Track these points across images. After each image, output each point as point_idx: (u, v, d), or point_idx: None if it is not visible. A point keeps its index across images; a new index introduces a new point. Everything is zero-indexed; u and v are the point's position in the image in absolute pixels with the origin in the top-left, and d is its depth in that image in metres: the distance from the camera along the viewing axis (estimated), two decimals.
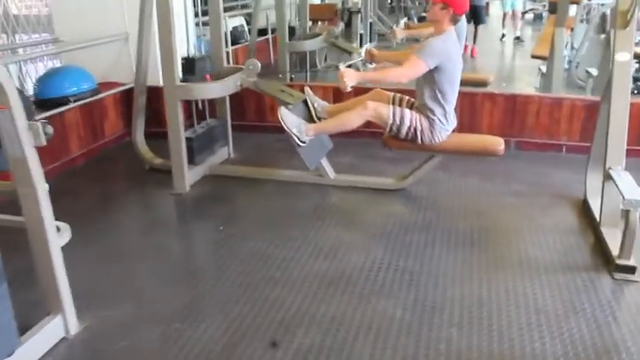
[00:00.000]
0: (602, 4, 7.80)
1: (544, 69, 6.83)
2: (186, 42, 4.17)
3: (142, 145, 4.60)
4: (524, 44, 11.53)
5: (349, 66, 4.04)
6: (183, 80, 4.02)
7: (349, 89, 3.54)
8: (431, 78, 3.58)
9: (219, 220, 3.72)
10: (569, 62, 7.34)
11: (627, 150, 3.38)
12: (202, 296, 2.87)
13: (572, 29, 7.71)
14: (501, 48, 11.53)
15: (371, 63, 4.39)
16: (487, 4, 12.40)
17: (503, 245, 3.35)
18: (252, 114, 5.52)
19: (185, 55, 4.15)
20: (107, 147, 5.13)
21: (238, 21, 8.35)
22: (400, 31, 5.71)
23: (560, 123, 4.89)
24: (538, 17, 15.79)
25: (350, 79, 3.50)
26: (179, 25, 4.05)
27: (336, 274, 3.01)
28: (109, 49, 5.29)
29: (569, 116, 4.85)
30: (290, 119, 3.78)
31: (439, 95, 3.61)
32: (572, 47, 7.68)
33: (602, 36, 8.11)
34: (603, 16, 7.88)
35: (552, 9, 12.59)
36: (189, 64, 4.13)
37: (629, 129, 3.38)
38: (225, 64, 4.54)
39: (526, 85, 7.81)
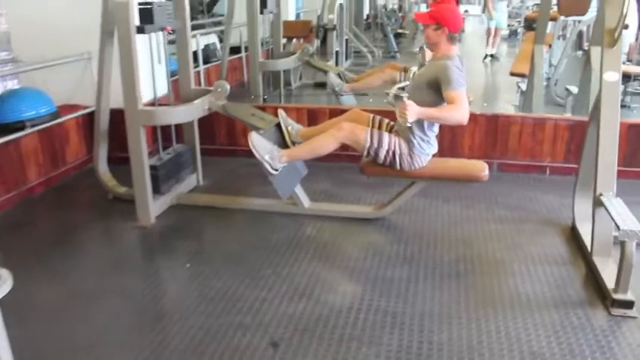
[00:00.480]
0: (579, 21, 7.75)
1: (523, 87, 6.69)
2: None
3: (104, 173, 4.31)
4: (500, 61, 11.42)
5: (401, 89, 3.52)
6: (140, 29, 3.65)
7: (409, 125, 3.20)
8: (425, 101, 3.28)
9: (187, 255, 3.45)
10: (548, 79, 7.23)
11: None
12: (166, 346, 2.58)
13: (549, 46, 7.62)
14: (481, 67, 11.18)
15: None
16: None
17: (492, 279, 3.12)
18: (222, 137, 5.26)
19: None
20: (69, 174, 4.81)
21: (211, 39, 8.09)
22: (429, 53, 5.45)
23: (544, 144, 4.72)
24: (513, 33, 15.81)
25: (413, 113, 3.06)
26: None
27: (312, 318, 2.75)
28: (71, 69, 5.00)
29: (552, 137, 4.69)
30: (261, 145, 3.54)
31: (426, 120, 3.38)
32: (551, 64, 7.59)
33: (580, 52, 8.09)
34: (580, 33, 7.85)
35: (528, 25, 12.59)
36: (146, 11, 3.72)
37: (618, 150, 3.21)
38: (193, 85, 4.28)
39: (505, 103, 7.67)
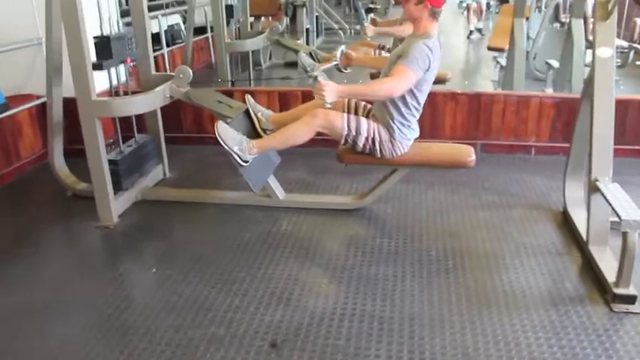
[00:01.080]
0: None
1: (502, 62, 6.47)
2: (98, 18, 3.51)
3: (60, 168, 3.97)
4: (484, 37, 10.67)
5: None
6: (97, 66, 3.40)
7: (329, 105, 3.00)
8: None
9: (153, 258, 3.17)
10: (527, 53, 7.00)
11: None
12: None
13: (526, 18, 7.39)
14: (462, 43, 10.71)
15: (346, 68, 3.83)
16: None
17: (483, 274, 2.90)
18: (189, 125, 4.94)
19: (98, 33, 3.50)
20: (24, 170, 4.46)
21: (174, 19, 7.69)
22: (372, 28, 5.16)
23: (528, 122, 4.50)
24: (486, 6, 15.55)
25: (331, 93, 2.93)
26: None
27: (291, 327, 2.50)
28: (20, 56, 4.62)
29: (537, 115, 4.47)
30: (229, 136, 3.24)
31: (404, 104, 3.13)
32: (528, 37, 7.36)
33: (557, 25, 7.86)
34: (556, 5, 7.61)
35: None
36: (103, 44, 3.46)
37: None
38: (153, 70, 3.94)
39: (484, 79, 7.46)
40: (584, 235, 3.07)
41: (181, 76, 3.51)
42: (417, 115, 3.29)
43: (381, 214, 3.57)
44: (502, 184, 4.02)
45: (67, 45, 3.19)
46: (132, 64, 3.76)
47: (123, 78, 3.84)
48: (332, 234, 3.35)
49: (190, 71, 3.54)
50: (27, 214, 3.80)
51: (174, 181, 4.23)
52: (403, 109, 3.16)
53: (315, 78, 3.08)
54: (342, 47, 3.84)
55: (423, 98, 3.20)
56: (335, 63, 3.71)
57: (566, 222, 3.40)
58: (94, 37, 3.44)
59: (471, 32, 10.99)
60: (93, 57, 3.39)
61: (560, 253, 3.09)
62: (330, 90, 2.92)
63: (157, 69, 6.79)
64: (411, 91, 3.09)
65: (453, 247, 3.15)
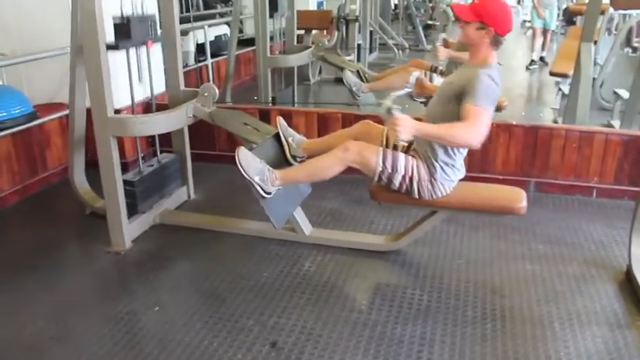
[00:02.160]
0: (630, 15, 6.96)
1: (565, 89, 5.96)
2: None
3: (80, 185, 3.77)
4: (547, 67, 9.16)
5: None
6: (113, 46, 3.21)
7: (403, 143, 2.63)
8: (450, 116, 2.66)
9: (159, 292, 2.91)
10: (593, 80, 6.47)
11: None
12: None
13: (595, 42, 6.86)
14: (523, 68, 9.50)
15: (419, 97, 3.47)
16: None
17: (527, 345, 2.48)
18: (222, 142, 4.69)
19: (118, 14, 3.35)
20: (49, 182, 4.30)
21: (222, 30, 7.51)
22: (445, 51, 4.63)
23: (591, 161, 4.03)
24: None
25: (407, 130, 2.49)
26: None
27: None
28: (53, 64, 4.47)
29: (601, 153, 3.99)
30: (251, 164, 2.95)
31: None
32: (595, 63, 6.81)
33: (628, 50, 7.29)
34: (630, 30, 7.05)
35: (568, 19, 11.67)
36: (123, 26, 3.29)
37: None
38: (182, 86, 3.69)
39: (544, 106, 6.95)
40: None
41: (206, 94, 3.25)
42: (464, 153, 2.91)
43: (416, 260, 3.19)
44: (556, 230, 3.57)
45: (84, 53, 2.97)
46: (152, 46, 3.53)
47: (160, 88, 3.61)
48: (358, 280, 3.00)
49: (216, 89, 3.27)
50: (41, 231, 3.62)
51: (199, 203, 3.97)
52: (449, 148, 2.78)
53: (389, 110, 2.60)
54: (417, 73, 3.48)
55: None
56: (408, 90, 3.34)
57: (629, 284, 2.94)
58: (114, 18, 3.23)
59: (532, 62, 9.55)
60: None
61: (621, 324, 2.63)
62: (407, 126, 2.49)
63: (201, 80, 6.68)
64: None
65: (493, 307, 2.75)
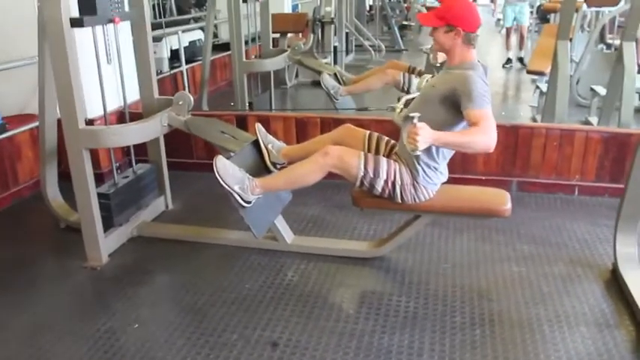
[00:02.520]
0: (603, 12, 7.02)
1: (543, 87, 5.97)
2: None
3: (53, 198, 3.64)
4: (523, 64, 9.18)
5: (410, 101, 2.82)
6: (77, 22, 2.89)
7: (419, 154, 2.47)
8: (435, 120, 2.53)
9: (138, 309, 2.80)
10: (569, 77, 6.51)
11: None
12: None
13: (570, 39, 6.89)
14: (499, 65, 9.45)
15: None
16: None
17: (517, 349, 2.44)
18: (200, 150, 4.59)
19: None
20: (21, 196, 4.17)
21: (196, 35, 7.40)
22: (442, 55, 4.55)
23: (572, 159, 4.02)
24: None
25: (425, 139, 2.34)
26: None
27: None
28: (23, 74, 4.33)
29: (582, 151, 3.98)
30: (229, 173, 2.87)
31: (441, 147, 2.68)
32: (571, 60, 6.85)
33: (602, 46, 7.34)
34: (603, 27, 7.10)
35: (542, 17, 11.73)
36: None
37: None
38: (156, 95, 3.59)
39: (521, 103, 6.97)
40: (639, 303, 2.60)
41: (180, 102, 3.16)
42: (448, 157, 2.85)
43: (400, 265, 3.14)
44: (540, 230, 3.54)
45: (52, 61, 2.86)
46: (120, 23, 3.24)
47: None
48: (342, 289, 2.93)
49: (191, 97, 3.18)
50: (14, 246, 3.49)
51: (177, 214, 3.87)
52: (433, 150, 2.72)
53: (409, 117, 2.43)
54: (429, 77, 3.42)
55: None
56: (412, 96, 3.22)
57: (616, 283, 2.92)
58: None
59: (508, 60, 9.52)
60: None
61: (610, 324, 2.60)
62: (425, 136, 2.34)
63: (176, 87, 6.57)
64: (447, 131, 2.59)
65: (481, 311, 2.70)
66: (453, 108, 2.60)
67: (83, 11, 3.00)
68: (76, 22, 2.86)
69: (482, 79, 2.58)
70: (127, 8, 3.39)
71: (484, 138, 2.44)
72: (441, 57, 4.47)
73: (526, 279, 2.99)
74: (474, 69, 2.62)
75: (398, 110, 2.82)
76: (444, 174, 2.86)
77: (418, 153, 2.40)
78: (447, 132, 2.52)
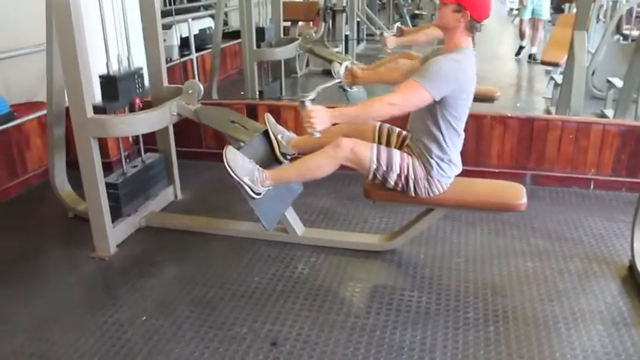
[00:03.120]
0: (621, 3, 6.88)
1: (558, 79, 5.87)
2: (105, 54, 3.09)
3: (62, 187, 3.62)
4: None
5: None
6: (101, 109, 3.00)
7: (318, 135, 2.53)
8: (432, 111, 2.60)
9: (146, 301, 2.76)
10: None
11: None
12: None
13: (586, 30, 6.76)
14: (512, 55, 9.21)
15: (351, 87, 3.38)
16: None
17: (531, 348, 2.38)
18: (209, 139, 4.54)
19: (105, 72, 3.08)
20: (30, 184, 4.14)
21: (206, 23, 7.33)
22: (392, 39, 4.47)
23: (588, 153, 3.93)
24: None
25: (322, 119, 2.49)
26: (95, 31, 2.99)
27: None
28: (32, 62, 4.29)
29: (599, 144, 3.90)
30: (239, 164, 2.81)
31: (441, 135, 2.65)
32: (587, 51, 6.72)
33: (618, 37, 7.20)
34: (620, 17, 6.96)
35: (557, 7, 11.51)
36: (109, 85, 3.06)
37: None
38: (165, 83, 3.54)
39: (535, 95, 6.86)
40: None
41: (190, 91, 3.11)
42: (459, 147, 2.79)
43: (413, 259, 3.08)
44: (555, 224, 3.48)
45: (60, 49, 2.81)
46: (140, 104, 3.31)
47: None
48: (353, 282, 2.88)
49: (201, 86, 3.13)
50: (22, 236, 3.46)
51: (186, 204, 3.83)
52: (443, 143, 2.67)
53: (303, 103, 2.54)
54: (347, 62, 3.37)
55: (460, 126, 2.70)
56: (338, 81, 3.23)
57: (633, 280, 2.85)
58: (100, 77, 3.06)
59: (520, 49, 9.12)
60: (92, 65, 2.98)
61: (627, 322, 2.54)
62: (321, 116, 2.48)
63: (186, 75, 6.51)
64: (446, 120, 2.61)
65: (495, 308, 2.65)
66: None
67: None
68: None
69: (457, 62, 2.53)
70: None
71: (384, 105, 2.51)
72: (391, 42, 4.39)
73: (541, 275, 2.93)
74: (459, 52, 2.56)
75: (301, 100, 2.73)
76: (457, 166, 2.80)
77: (317, 134, 2.50)
78: (345, 107, 2.66)
